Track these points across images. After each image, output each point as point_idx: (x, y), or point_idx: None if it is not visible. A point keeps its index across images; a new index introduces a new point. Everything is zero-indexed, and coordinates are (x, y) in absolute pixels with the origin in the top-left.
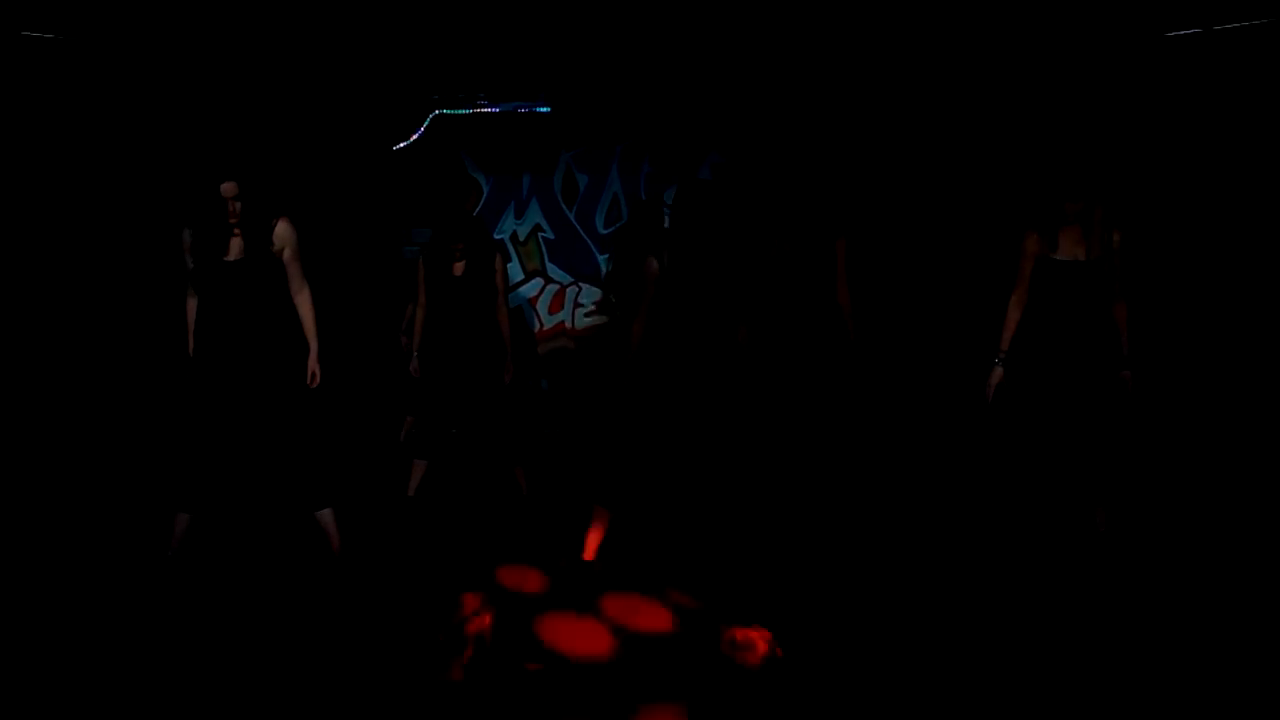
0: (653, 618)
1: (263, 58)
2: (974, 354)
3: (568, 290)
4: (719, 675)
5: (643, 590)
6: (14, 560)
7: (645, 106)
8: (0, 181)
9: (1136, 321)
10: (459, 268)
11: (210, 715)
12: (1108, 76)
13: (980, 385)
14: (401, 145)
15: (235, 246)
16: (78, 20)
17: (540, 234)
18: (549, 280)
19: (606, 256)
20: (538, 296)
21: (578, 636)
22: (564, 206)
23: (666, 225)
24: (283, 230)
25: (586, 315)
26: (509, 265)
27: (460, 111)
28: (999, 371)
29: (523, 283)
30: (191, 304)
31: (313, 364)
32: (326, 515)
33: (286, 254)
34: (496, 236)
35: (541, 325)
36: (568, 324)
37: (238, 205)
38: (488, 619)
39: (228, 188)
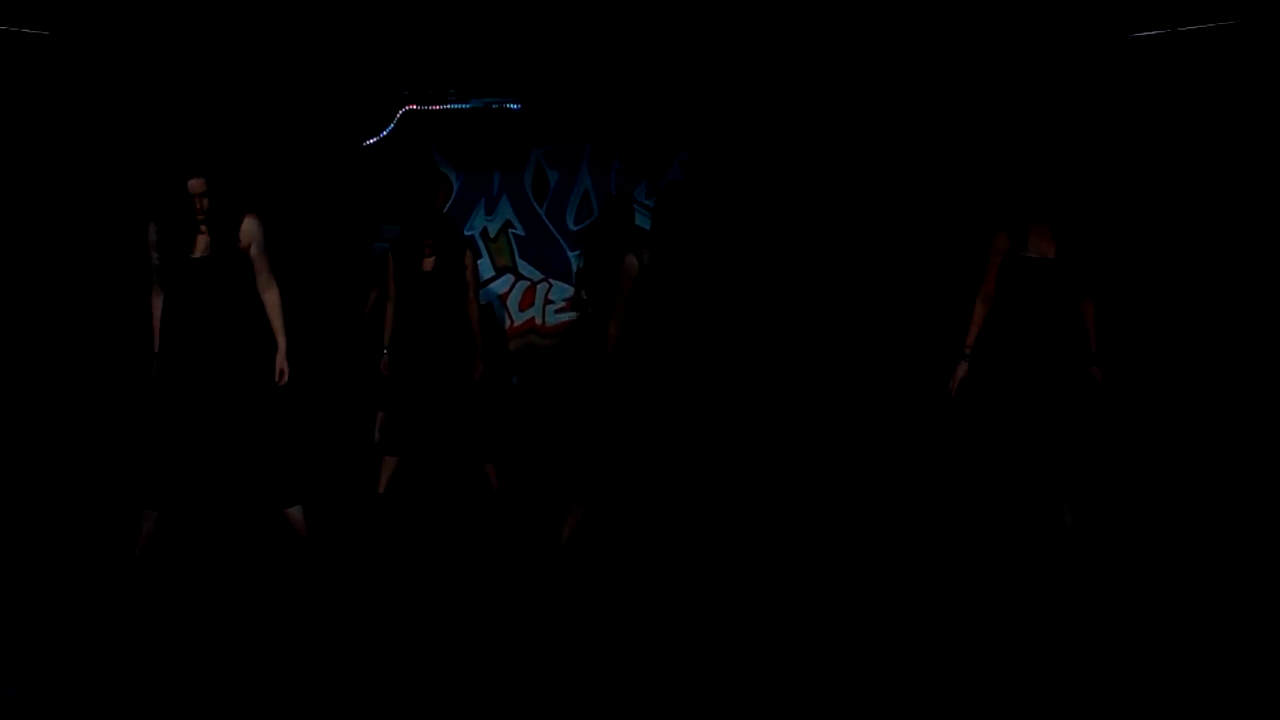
0: None
1: (231, 53)
2: (940, 350)
3: (538, 287)
4: None
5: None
6: None
7: (616, 104)
8: None
9: (1103, 319)
10: (429, 263)
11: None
12: (1075, 76)
13: (945, 381)
14: (371, 141)
15: (202, 243)
16: (44, 15)
17: (511, 230)
18: (519, 277)
19: (577, 253)
20: (508, 293)
21: None
22: (534, 203)
23: (637, 222)
24: (250, 226)
25: (557, 312)
26: (479, 262)
27: (430, 108)
28: (963, 367)
29: (493, 279)
30: (157, 300)
31: (281, 361)
32: (295, 513)
33: (254, 250)
34: (467, 233)
35: (512, 322)
36: (538, 321)
37: (205, 201)
38: None
39: (194, 184)
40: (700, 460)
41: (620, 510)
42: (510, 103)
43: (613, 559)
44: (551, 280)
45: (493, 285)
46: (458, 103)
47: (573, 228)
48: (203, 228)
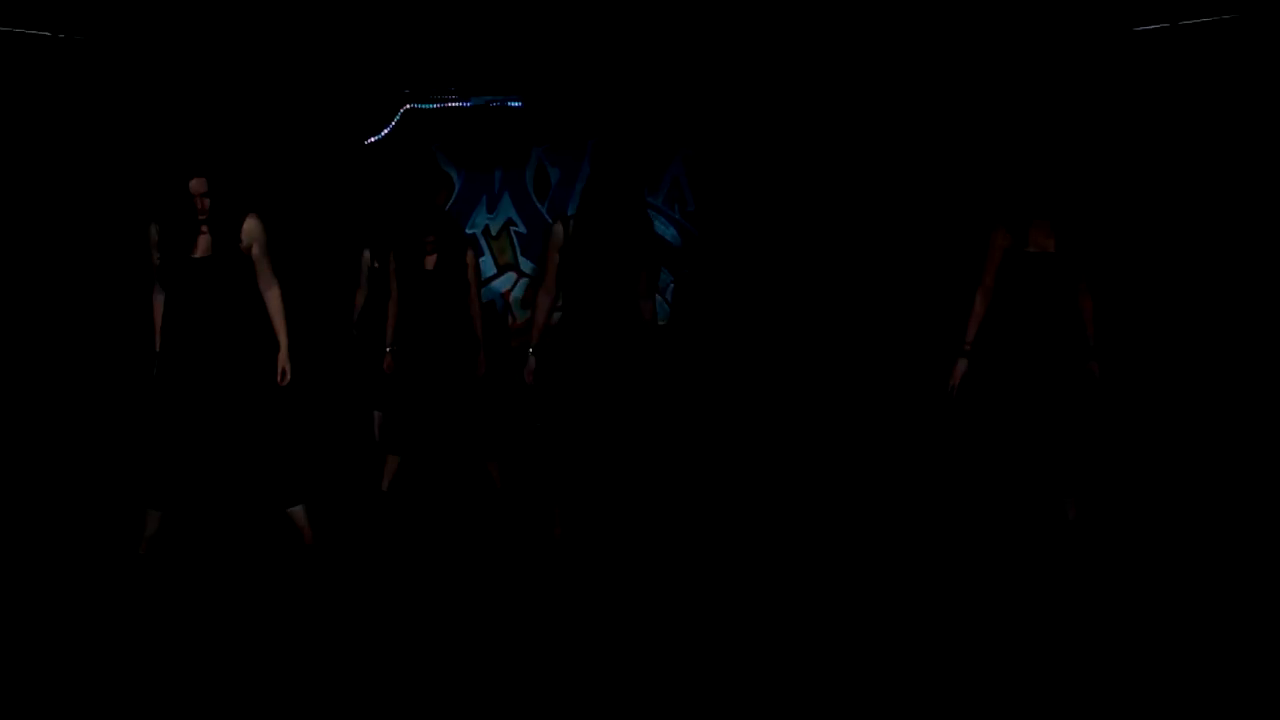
0: None
1: (233, 52)
2: (940, 346)
3: None
4: None
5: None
6: None
7: (616, 102)
8: None
9: (1105, 313)
10: (430, 262)
11: (181, 714)
12: (1076, 71)
13: (945, 378)
14: (373, 140)
15: (203, 243)
16: (46, 16)
17: (512, 228)
18: (522, 275)
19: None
20: (510, 291)
21: None
22: (536, 201)
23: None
24: (251, 226)
25: (559, 309)
26: (481, 260)
27: (432, 106)
28: (963, 364)
29: (495, 277)
30: (158, 300)
31: (283, 361)
32: (298, 512)
33: (255, 251)
34: (469, 231)
35: (514, 320)
36: None
37: (206, 201)
38: None
39: (196, 184)
40: (635, 439)
41: (583, 500)
42: (511, 100)
43: (604, 555)
44: None
45: (495, 283)
46: (459, 101)
47: None
48: (204, 228)
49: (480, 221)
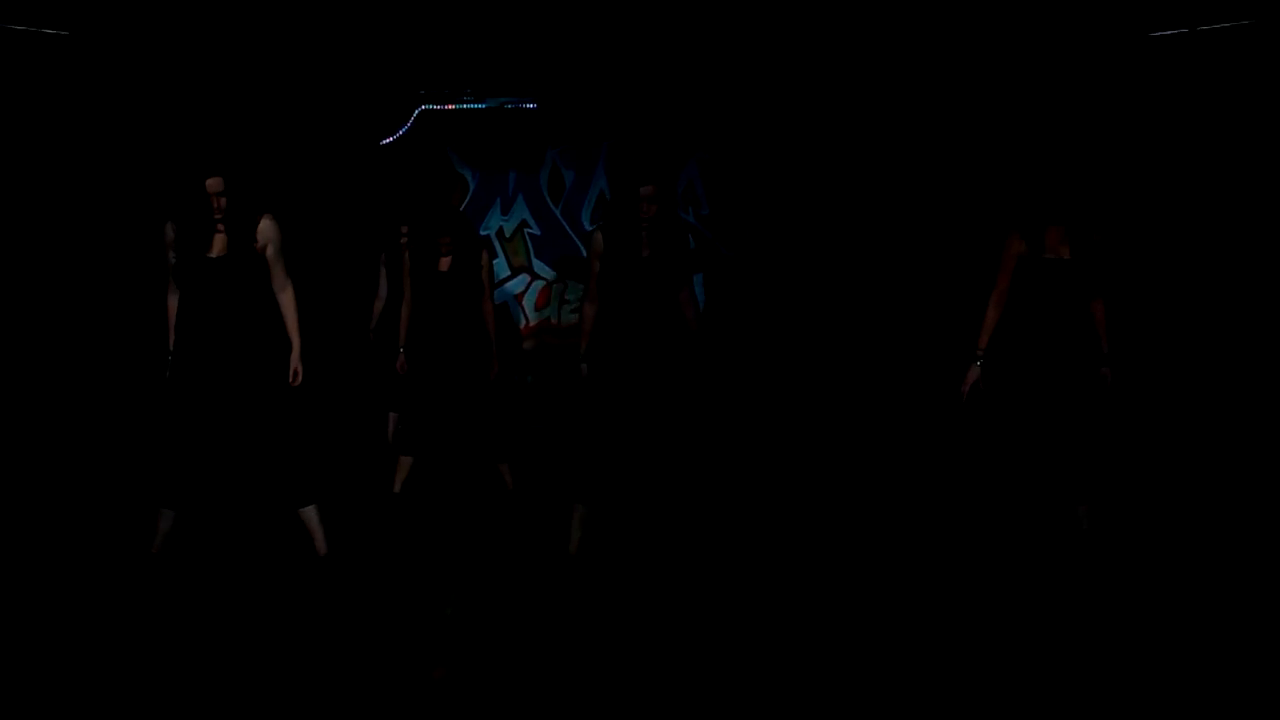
0: None
1: (249, 53)
2: (953, 352)
3: (554, 287)
4: None
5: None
6: None
7: (631, 104)
8: None
9: (1121, 319)
10: (445, 263)
11: (195, 715)
12: (1091, 76)
13: (958, 383)
14: (388, 141)
15: (219, 242)
16: (63, 15)
17: (526, 230)
18: (535, 276)
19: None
20: (524, 293)
21: None
22: (550, 203)
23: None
24: (266, 227)
25: (573, 311)
26: (495, 261)
27: (446, 107)
28: (975, 369)
29: (509, 279)
30: (173, 300)
31: (295, 362)
32: (310, 513)
33: (270, 251)
34: (483, 232)
35: (528, 322)
36: (554, 320)
37: (222, 201)
38: None
39: (213, 183)
40: (676, 443)
41: (612, 501)
42: (526, 102)
43: (620, 557)
44: (567, 280)
45: (508, 285)
46: (474, 102)
47: (588, 227)
48: (220, 227)
49: (494, 223)
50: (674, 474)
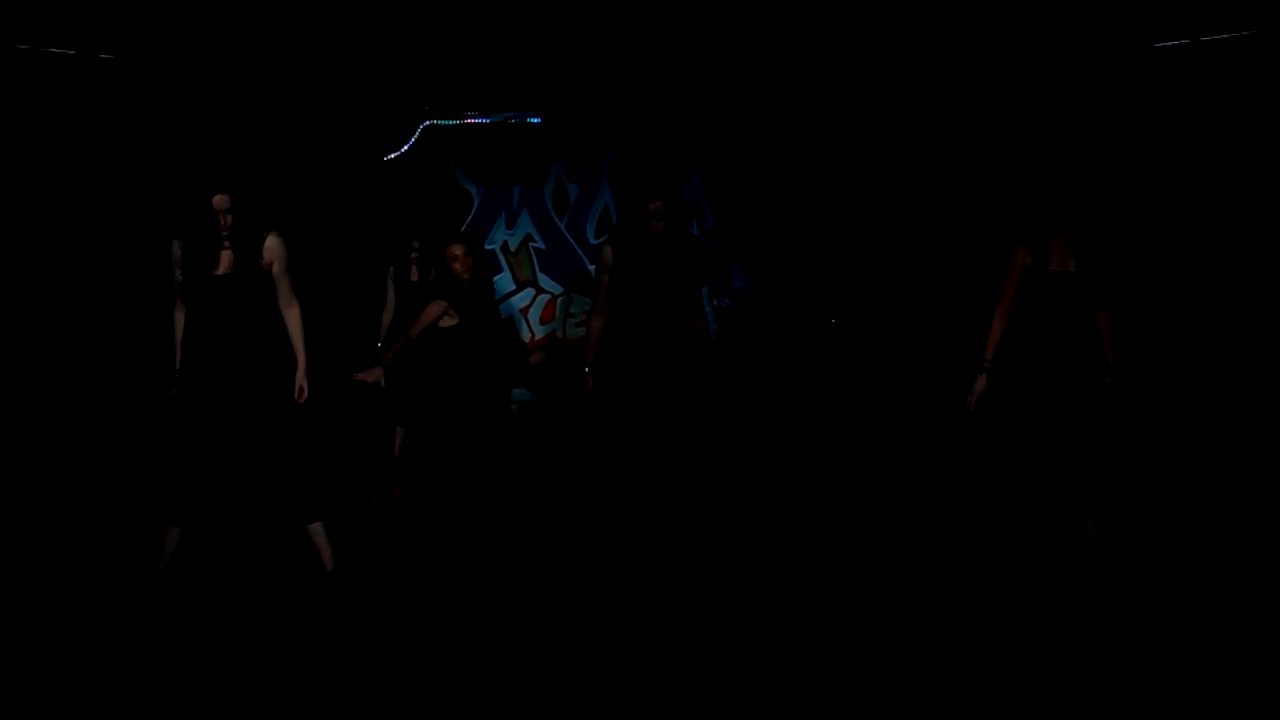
0: None
1: (254, 70)
2: (959, 363)
3: (559, 300)
4: None
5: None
6: (3, 573)
7: (636, 118)
8: None
9: (1122, 330)
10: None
11: None
12: (1096, 87)
13: (964, 395)
14: (392, 156)
15: (225, 260)
16: (69, 35)
17: (531, 244)
18: (540, 290)
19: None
20: (529, 307)
21: None
22: (555, 217)
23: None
24: (273, 244)
25: (578, 325)
26: (500, 277)
27: (451, 122)
28: (982, 381)
29: (514, 293)
30: (179, 317)
31: (300, 378)
32: (317, 529)
33: (276, 269)
34: (487, 247)
35: (533, 336)
36: (559, 334)
37: (229, 218)
38: None
39: (219, 200)
40: (688, 455)
41: (620, 513)
42: (530, 117)
43: (627, 569)
44: (573, 294)
45: (514, 299)
46: (478, 117)
47: (593, 241)
48: (226, 244)
49: (499, 237)
50: (682, 486)
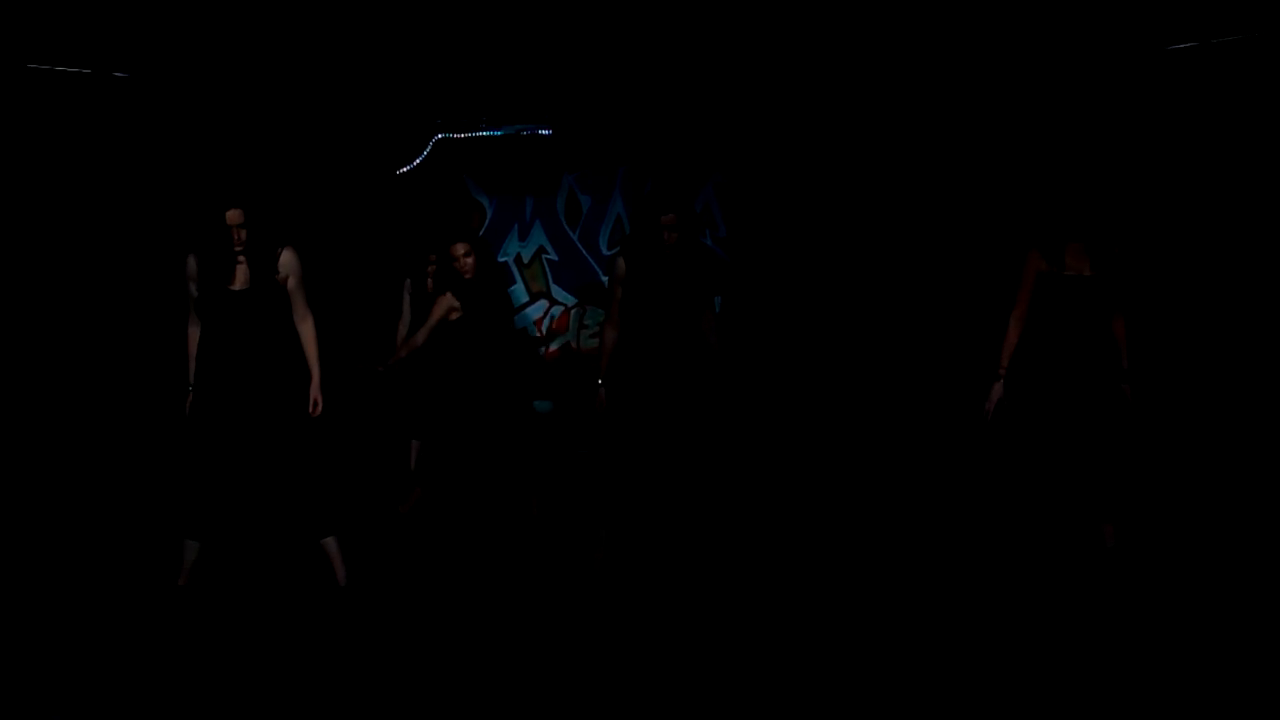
0: None
1: (267, 84)
2: (975, 370)
3: (573, 312)
4: None
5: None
6: (24, 589)
7: (647, 129)
8: (3, 205)
9: (1138, 335)
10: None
11: None
12: (1110, 91)
13: (981, 402)
14: (405, 169)
15: (241, 275)
16: (83, 53)
17: (544, 256)
18: (554, 302)
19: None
20: (542, 318)
21: None
22: (568, 228)
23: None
24: (288, 259)
25: (591, 336)
26: (514, 288)
27: (463, 135)
28: (999, 388)
29: (528, 305)
30: (193, 331)
31: (315, 392)
32: (331, 544)
33: (291, 283)
34: (500, 259)
35: (547, 346)
36: (573, 345)
37: (243, 233)
38: None
39: (233, 214)
40: (702, 465)
41: (635, 523)
42: (542, 129)
43: (642, 581)
44: (586, 305)
45: (527, 311)
46: (490, 129)
47: (606, 252)
48: (241, 259)
49: (512, 249)
50: (696, 496)
